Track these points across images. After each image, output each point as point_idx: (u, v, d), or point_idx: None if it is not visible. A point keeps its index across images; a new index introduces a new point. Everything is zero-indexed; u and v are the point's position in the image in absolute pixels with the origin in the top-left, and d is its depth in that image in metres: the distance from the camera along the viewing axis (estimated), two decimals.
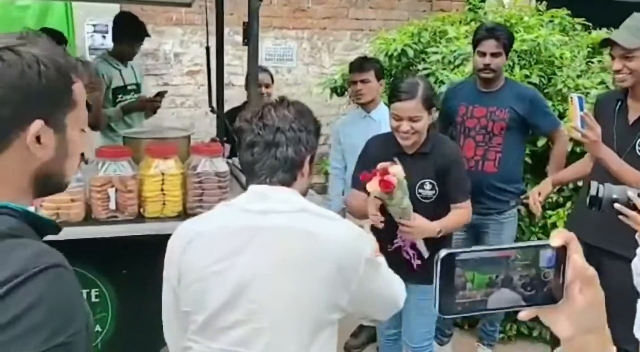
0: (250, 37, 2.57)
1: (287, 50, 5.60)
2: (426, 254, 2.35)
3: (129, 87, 3.95)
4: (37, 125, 0.90)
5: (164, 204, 2.35)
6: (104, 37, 5.01)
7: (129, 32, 3.90)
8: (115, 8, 5.01)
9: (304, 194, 1.52)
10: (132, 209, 2.30)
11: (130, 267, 2.46)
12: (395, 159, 2.23)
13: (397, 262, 2.27)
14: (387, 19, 5.74)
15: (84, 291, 2.46)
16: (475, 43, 3.04)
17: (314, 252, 1.37)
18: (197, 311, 1.41)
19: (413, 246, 2.37)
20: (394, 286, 1.58)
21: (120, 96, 3.89)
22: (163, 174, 2.31)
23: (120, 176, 2.24)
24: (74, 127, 0.96)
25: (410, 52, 4.10)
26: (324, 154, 5.64)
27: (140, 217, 2.35)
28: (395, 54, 4.12)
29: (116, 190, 2.24)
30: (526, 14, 4.36)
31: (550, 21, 4.26)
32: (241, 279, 1.37)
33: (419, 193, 2.36)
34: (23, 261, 0.83)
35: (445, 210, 2.39)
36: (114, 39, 4.00)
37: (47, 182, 0.98)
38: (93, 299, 2.47)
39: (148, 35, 4.01)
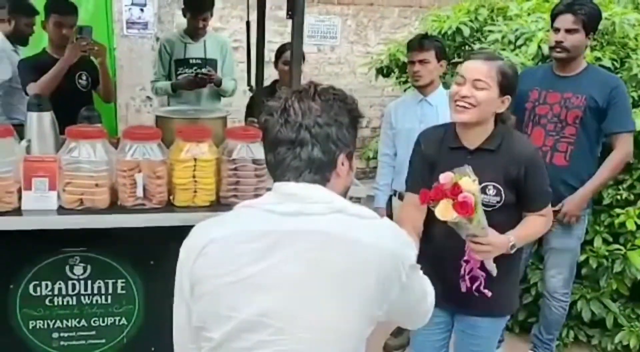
0: (295, 9, 2.31)
1: (330, 27, 5.32)
2: (494, 272, 1.97)
3: (191, 61, 3.89)
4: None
5: (195, 192, 2.14)
6: (141, 10, 4.84)
7: (190, 5, 3.84)
8: None
9: (344, 195, 1.28)
10: (161, 197, 2.11)
11: (159, 258, 2.28)
12: (467, 166, 1.82)
13: (454, 286, 2.00)
14: None
15: (110, 281, 2.30)
16: (552, 18, 2.73)
17: (355, 260, 1.17)
18: (212, 328, 1.18)
19: (482, 266, 1.97)
20: (428, 297, 1.38)
21: (181, 69, 3.88)
22: (195, 159, 2.10)
23: (149, 160, 2.04)
24: None
25: (466, 31, 3.78)
26: (365, 138, 5.38)
27: (169, 206, 2.15)
28: (449, 32, 3.80)
29: (144, 175, 2.04)
30: None
31: None
32: (265, 292, 1.15)
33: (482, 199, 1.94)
34: None
35: (510, 222, 2.00)
36: (183, 12, 3.97)
37: None
38: (119, 291, 2.32)
39: (210, 8, 3.84)
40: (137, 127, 2.16)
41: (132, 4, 4.85)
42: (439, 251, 2.02)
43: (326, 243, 1.17)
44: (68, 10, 3.33)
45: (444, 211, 1.76)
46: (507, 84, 1.95)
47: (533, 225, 2.02)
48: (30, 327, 2.27)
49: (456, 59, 3.62)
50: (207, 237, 1.21)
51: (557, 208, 2.69)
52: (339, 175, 1.25)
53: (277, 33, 5.20)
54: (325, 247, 1.17)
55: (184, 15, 3.92)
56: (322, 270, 1.16)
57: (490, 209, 1.93)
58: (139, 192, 2.05)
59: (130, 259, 2.29)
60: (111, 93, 3.67)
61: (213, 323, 1.18)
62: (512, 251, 1.94)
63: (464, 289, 1.99)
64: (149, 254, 2.29)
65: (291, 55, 2.43)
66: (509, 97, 1.97)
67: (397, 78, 4.44)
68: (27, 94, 3.18)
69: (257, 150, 2.18)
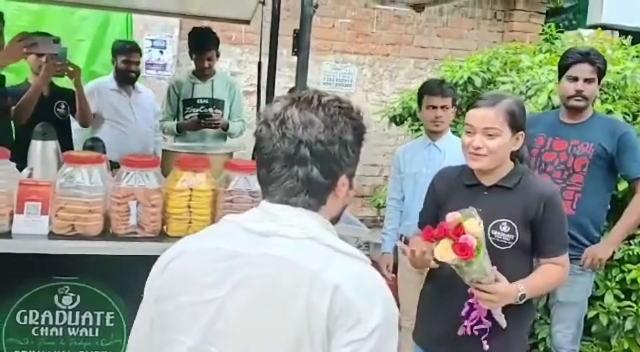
0: (300, 47, 2.32)
1: (346, 75, 5.38)
2: (503, 324, 1.85)
3: (198, 101, 3.89)
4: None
5: (190, 222, 2.10)
6: (161, 52, 4.95)
7: (193, 45, 3.89)
8: (174, 23, 4.96)
9: (337, 217, 1.18)
10: (155, 226, 2.07)
11: None
12: (473, 209, 1.74)
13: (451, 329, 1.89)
14: (454, 48, 5.46)
15: (99, 313, 2.25)
16: (565, 67, 2.70)
17: (312, 297, 1.00)
18: (165, 348, 1.10)
19: (488, 315, 1.85)
20: None
21: (188, 108, 3.89)
22: (191, 189, 2.08)
23: (144, 188, 2.02)
24: None
25: (478, 81, 3.80)
26: (377, 186, 5.34)
27: (162, 236, 2.11)
28: (460, 82, 3.82)
29: (138, 203, 2.01)
30: (609, 47, 3.98)
31: (637, 56, 3.86)
32: (214, 320, 1.05)
33: (492, 236, 1.86)
34: None
35: (522, 265, 1.90)
36: (189, 54, 4.01)
37: None
38: (107, 323, 2.26)
39: (214, 48, 3.88)
40: (135, 155, 2.15)
41: (152, 46, 4.97)
42: (443, 289, 1.93)
43: (283, 271, 1.03)
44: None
45: (443, 251, 1.67)
46: (518, 121, 1.89)
47: (547, 275, 1.90)
48: None
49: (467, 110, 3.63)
50: (178, 249, 1.13)
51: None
52: (337, 196, 1.13)
53: (293, 78, 5.26)
54: (281, 275, 1.03)
55: (190, 57, 3.96)
56: (270, 301, 1.02)
57: (502, 247, 1.85)
58: (132, 220, 2.02)
59: (120, 291, 2.23)
60: (87, 117, 3.60)
61: (167, 343, 1.09)
62: (521, 302, 1.81)
63: (460, 332, 1.86)
64: (140, 287, 2.23)
65: (290, 90, 2.42)
66: (522, 132, 1.91)
67: (409, 126, 4.44)
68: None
69: (255, 182, 2.15)
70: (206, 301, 1.06)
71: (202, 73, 3.90)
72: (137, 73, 3.91)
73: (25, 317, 2.19)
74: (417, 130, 4.27)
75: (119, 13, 4.64)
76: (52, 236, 2.04)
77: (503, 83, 3.69)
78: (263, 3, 3.29)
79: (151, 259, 2.09)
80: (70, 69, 3.22)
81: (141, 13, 4.53)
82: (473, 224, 1.67)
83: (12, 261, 2.05)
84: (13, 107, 3.20)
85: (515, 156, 1.98)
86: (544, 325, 3.12)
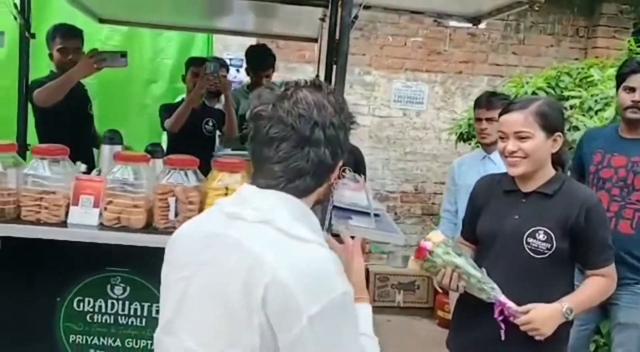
0: (338, 56, 2.39)
1: (417, 93, 5.39)
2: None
3: None
4: None
5: None
6: (237, 70, 5.20)
7: (253, 63, 4.04)
8: (251, 43, 5.20)
9: (318, 202, 1.20)
10: None
11: None
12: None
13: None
14: (531, 65, 5.33)
15: (146, 304, 2.39)
16: (622, 78, 2.60)
17: (251, 280, 1.01)
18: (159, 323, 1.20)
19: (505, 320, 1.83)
20: None
21: (245, 123, 3.98)
22: (227, 188, 2.20)
23: (183, 186, 2.17)
24: None
25: (542, 95, 3.69)
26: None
27: None
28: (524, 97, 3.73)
29: (177, 200, 2.16)
30: None
31: None
32: (182, 297, 1.12)
33: (528, 244, 1.82)
34: None
35: (559, 275, 1.86)
36: (246, 71, 4.18)
37: None
38: (153, 314, 2.39)
39: (271, 67, 4.05)
40: (176, 156, 2.30)
41: (230, 64, 5.22)
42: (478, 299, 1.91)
43: (231, 253, 1.06)
44: (72, 34, 3.37)
45: (412, 264, 1.80)
46: (551, 122, 1.86)
47: (593, 288, 1.86)
48: (71, 341, 2.39)
49: None
50: (175, 234, 1.23)
51: None
52: (329, 180, 1.16)
53: (363, 97, 5.35)
54: (229, 257, 1.06)
55: (247, 74, 4.11)
56: (215, 282, 1.07)
57: (538, 256, 1.82)
58: (171, 215, 2.17)
59: None
60: (234, 130, 3.78)
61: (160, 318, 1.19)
62: (570, 318, 1.79)
63: (504, 337, 1.81)
64: None
65: None
66: (559, 134, 1.88)
67: (476, 143, 4.37)
68: (32, 103, 3.23)
69: None
70: (179, 279, 1.14)
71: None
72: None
73: (81, 304, 2.38)
74: None
75: (200, 35, 4.95)
76: (101, 227, 2.23)
77: (571, 98, 3.57)
78: (323, 20, 3.41)
79: None
80: (221, 82, 3.54)
81: (222, 33, 4.82)
82: (437, 235, 1.83)
83: (71, 251, 2.26)
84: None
85: (556, 163, 1.94)
86: (604, 347, 2.95)
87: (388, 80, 5.33)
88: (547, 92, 3.68)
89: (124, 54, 3.01)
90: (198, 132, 3.68)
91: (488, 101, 2.99)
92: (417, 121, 5.44)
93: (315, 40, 4.24)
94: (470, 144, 4.48)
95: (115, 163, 2.23)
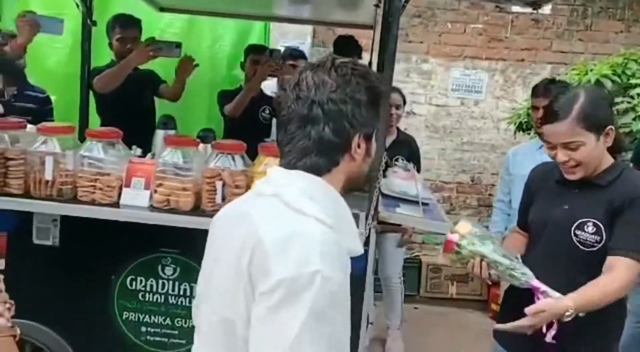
0: (388, 41, 2.36)
1: (476, 81, 5.25)
2: (547, 339, 1.73)
3: None
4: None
5: None
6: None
7: (339, 51, 4.06)
8: (307, 31, 5.21)
9: (358, 183, 1.21)
10: None
11: None
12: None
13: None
14: (597, 53, 5.08)
15: (194, 286, 2.43)
16: None
17: (245, 244, 1.07)
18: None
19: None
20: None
21: None
22: None
23: (230, 170, 2.20)
24: None
25: (608, 84, 3.52)
26: None
27: None
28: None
29: (224, 183, 2.19)
30: None
31: None
32: (211, 272, 1.20)
33: (576, 235, 1.77)
34: None
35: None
36: None
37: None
38: None
39: (356, 55, 4.06)
40: (225, 140, 2.34)
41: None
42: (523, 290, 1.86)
43: (240, 223, 1.12)
44: (130, 24, 3.46)
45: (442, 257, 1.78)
46: (598, 120, 1.78)
47: (601, 283, 1.71)
48: (124, 318, 2.48)
49: None
50: (217, 214, 1.28)
51: None
52: (353, 158, 1.15)
53: (420, 85, 5.27)
54: (239, 227, 1.12)
55: None
56: (225, 253, 1.14)
57: (587, 249, 1.76)
58: (218, 198, 2.21)
59: None
60: None
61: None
62: (567, 319, 1.66)
63: (549, 339, 1.72)
64: None
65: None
66: (610, 127, 1.79)
67: (535, 132, 4.23)
68: (92, 89, 3.35)
69: None
70: (210, 255, 1.24)
71: None
72: None
73: (134, 283, 2.46)
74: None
75: (258, 22, 4.99)
76: (151, 208, 2.30)
77: (638, 86, 3.39)
78: (377, 6, 3.37)
79: None
80: (283, 69, 3.62)
81: (279, 21, 4.85)
82: (464, 226, 1.80)
83: (125, 232, 2.34)
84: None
85: (614, 151, 1.85)
86: None
87: (446, 68, 5.22)
88: (612, 80, 3.51)
89: (178, 45, 3.12)
90: (254, 119, 3.75)
91: (546, 89, 2.90)
92: (475, 110, 5.31)
93: (370, 27, 4.20)
94: (529, 134, 4.33)
95: (166, 147, 2.29)
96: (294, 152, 1.14)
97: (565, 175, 1.83)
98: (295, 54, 4.13)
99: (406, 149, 3.68)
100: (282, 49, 5.17)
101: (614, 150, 1.86)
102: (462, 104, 5.30)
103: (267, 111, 3.87)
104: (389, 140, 3.55)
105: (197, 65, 3.45)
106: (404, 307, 3.92)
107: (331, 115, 1.11)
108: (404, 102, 3.81)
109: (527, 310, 1.67)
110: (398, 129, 3.79)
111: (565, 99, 1.80)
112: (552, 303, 1.66)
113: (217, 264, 1.16)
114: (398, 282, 3.83)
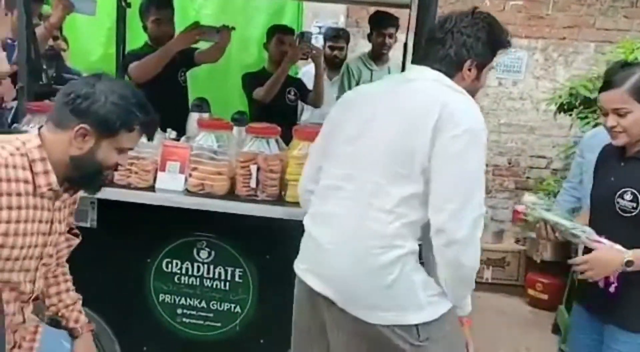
0: (425, 21, 2.29)
1: (515, 60, 5.10)
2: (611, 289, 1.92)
3: None
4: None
5: None
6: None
7: (375, 23, 4.02)
8: (341, 10, 5.13)
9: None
10: (273, 190, 2.22)
11: (273, 253, 2.39)
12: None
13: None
14: None
15: (229, 269, 2.46)
16: None
17: (431, 107, 1.53)
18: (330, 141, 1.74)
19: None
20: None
21: None
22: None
23: (264, 154, 2.17)
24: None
25: None
26: (542, 180, 5.00)
27: (279, 200, 2.26)
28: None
29: (258, 168, 2.17)
30: None
31: None
32: (370, 119, 1.64)
33: (618, 203, 1.95)
34: None
35: None
36: (368, 37, 4.13)
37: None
38: (236, 279, 2.46)
39: (394, 27, 3.98)
40: (259, 124, 2.31)
41: (319, 33, 5.18)
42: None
43: (415, 93, 1.61)
44: (165, 4, 3.40)
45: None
46: None
47: None
48: (160, 300, 2.51)
49: None
50: (347, 95, 1.86)
51: None
52: (463, 78, 1.63)
53: None
54: (410, 96, 1.61)
55: (369, 39, 4.06)
56: (397, 108, 1.62)
57: (627, 215, 1.93)
58: (252, 183, 2.19)
59: (248, 250, 2.42)
60: (321, 98, 3.85)
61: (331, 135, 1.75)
62: (628, 269, 1.85)
63: (612, 290, 1.92)
64: (265, 248, 2.41)
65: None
66: None
67: (577, 114, 4.10)
68: (127, 73, 3.30)
69: None
70: (363, 114, 1.68)
71: (380, 52, 3.96)
72: (343, 59, 4.13)
73: (170, 266, 2.48)
74: (585, 118, 3.93)
75: (290, 2, 4.93)
76: (186, 192, 2.30)
77: None
78: None
79: (271, 222, 2.26)
80: (314, 51, 3.59)
81: (312, 0, 4.77)
82: (529, 198, 2.10)
83: (161, 215, 2.34)
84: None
85: None
86: None
87: None
88: None
89: (219, 30, 3.11)
90: (281, 102, 3.68)
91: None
92: (514, 91, 5.17)
93: (407, 6, 4.10)
94: (571, 114, 4.19)
95: (200, 130, 2.28)
96: (427, 60, 1.66)
97: (612, 140, 2.01)
98: (335, 34, 4.08)
99: None
100: (319, 29, 5.16)
101: None
102: (500, 85, 5.16)
103: (293, 93, 3.79)
104: None
105: (233, 28, 3.38)
106: None
107: (456, 41, 1.61)
108: None
109: (586, 257, 1.90)
110: None
111: (621, 71, 1.98)
112: (609, 247, 1.87)
113: (381, 121, 1.62)
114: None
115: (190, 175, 2.25)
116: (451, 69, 1.61)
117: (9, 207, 1.43)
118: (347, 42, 4.31)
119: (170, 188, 2.27)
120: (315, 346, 1.74)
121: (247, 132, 2.25)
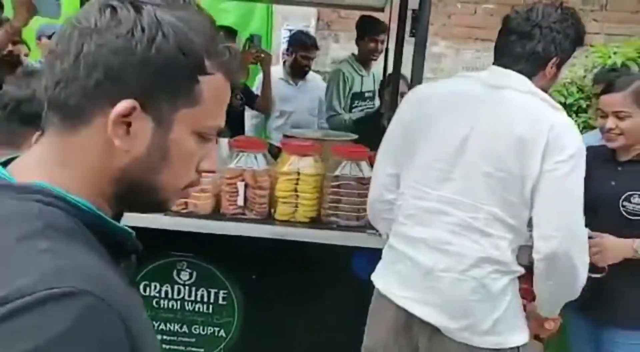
0: (418, 28, 2.20)
1: (488, 65, 5.07)
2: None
3: (366, 94, 3.91)
4: (126, 104, 0.64)
5: (296, 207, 2.09)
6: None
7: (364, 29, 3.86)
8: (311, 14, 5.02)
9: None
10: (262, 208, 2.08)
11: (260, 273, 2.27)
12: None
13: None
14: (612, 33, 4.92)
15: (212, 291, 2.32)
16: None
17: (532, 130, 1.48)
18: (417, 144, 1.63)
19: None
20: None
21: (357, 102, 3.86)
22: (298, 173, 2.06)
23: (252, 169, 2.04)
24: (186, 127, 0.68)
25: (635, 68, 3.37)
26: None
27: (269, 218, 2.13)
28: None
29: (246, 185, 2.03)
30: None
31: None
32: (461, 136, 1.55)
33: (623, 207, 1.96)
34: (39, 274, 0.56)
35: None
36: (357, 41, 3.99)
37: (133, 190, 0.71)
38: (220, 301, 2.34)
39: (382, 32, 3.87)
40: (245, 137, 2.18)
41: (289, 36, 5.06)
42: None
43: (514, 109, 1.52)
44: None
45: None
46: None
47: None
48: None
49: None
50: (418, 92, 1.78)
51: None
52: (545, 75, 1.57)
53: (430, 69, 5.09)
54: (508, 112, 1.52)
55: (357, 43, 3.93)
56: (498, 127, 1.53)
57: (634, 218, 1.95)
58: (240, 201, 2.05)
59: (233, 271, 2.29)
60: (269, 104, 3.71)
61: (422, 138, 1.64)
62: (638, 256, 1.89)
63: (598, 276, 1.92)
64: (251, 269, 2.27)
65: (411, 77, 2.30)
66: None
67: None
68: None
69: (366, 170, 2.08)
70: (449, 122, 1.59)
71: (370, 57, 3.85)
72: (310, 68, 4.02)
73: (148, 289, 2.32)
74: None
75: (259, 5, 4.79)
76: (168, 212, 2.14)
77: None
78: None
79: (259, 242, 2.13)
80: (263, 56, 3.43)
81: (283, 3, 4.64)
82: None
83: (138, 234, 2.18)
84: None
85: None
86: None
87: (456, 51, 5.05)
88: (638, 64, 3.36)
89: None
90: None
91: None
92: None
93: (381, 9, 4.02)
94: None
95: None
96: (510, 56, 1.57)
97: (607, 142, 2.01)
98: (309, 43, 3.91)
99: None
100: (289, 32, 5.03)
101: None
102: None
103: (238, 97, 3.51)
104: None
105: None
106: None
107: (545, 37, 1.54)
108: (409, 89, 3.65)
109: (597, 240, 1.88)
110: None
111: (623, 77, 2.05)
112: (615, 238, 1.91)
113: (482, 140, 1.54)
114: None
115: None
116: (535, 67, 1.55)
117: None
118: (317, 49, 4.18)
119: None
120: None
121: (233, 147, 2.11)
